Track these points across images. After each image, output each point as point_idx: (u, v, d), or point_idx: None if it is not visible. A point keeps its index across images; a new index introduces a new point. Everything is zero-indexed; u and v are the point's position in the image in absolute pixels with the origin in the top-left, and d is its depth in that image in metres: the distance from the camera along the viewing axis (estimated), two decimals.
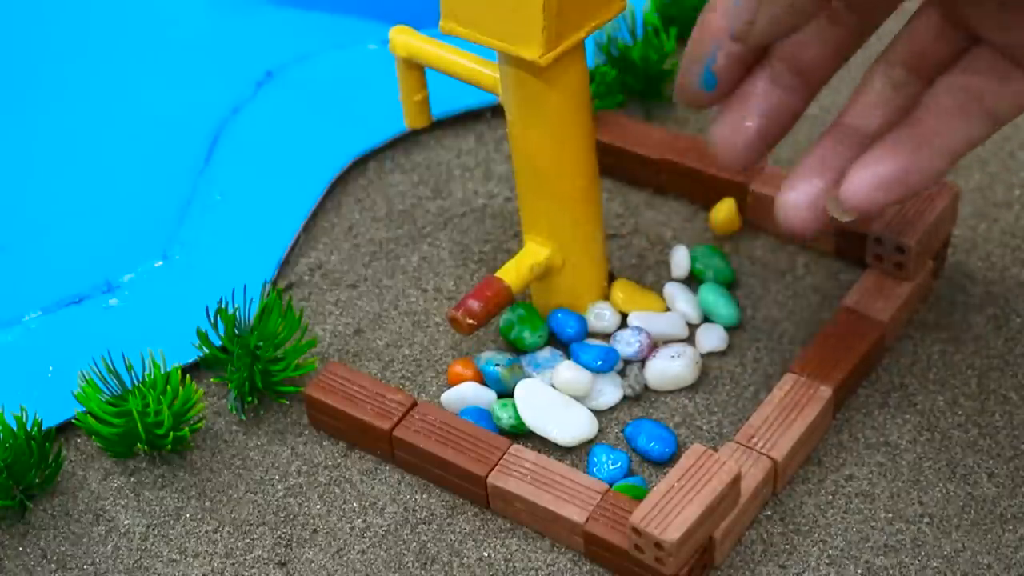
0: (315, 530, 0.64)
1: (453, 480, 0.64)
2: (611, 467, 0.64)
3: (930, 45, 0.58)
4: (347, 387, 0.66)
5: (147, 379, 0.66)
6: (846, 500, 0.63)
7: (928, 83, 0.58)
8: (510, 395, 0.66)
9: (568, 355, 0.68)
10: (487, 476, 0.63)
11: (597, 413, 0.67)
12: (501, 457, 0.63)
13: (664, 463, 0.65)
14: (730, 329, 0.70)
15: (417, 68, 0.68)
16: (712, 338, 0.69)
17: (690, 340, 0.70)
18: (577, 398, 0.66)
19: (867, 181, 0.56)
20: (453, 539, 0.63)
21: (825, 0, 0.54)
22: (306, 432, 0.68)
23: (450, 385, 0.68)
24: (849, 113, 0.59)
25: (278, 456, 0.67)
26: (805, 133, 0.78)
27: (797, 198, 0.58)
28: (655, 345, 0.68)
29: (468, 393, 0.67)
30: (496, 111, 0.82)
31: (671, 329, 0.69)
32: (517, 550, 0.63)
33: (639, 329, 0.68)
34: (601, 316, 0.69)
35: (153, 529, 0.64)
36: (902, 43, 0.58)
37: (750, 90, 0.59)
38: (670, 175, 0.76)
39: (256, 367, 0.66)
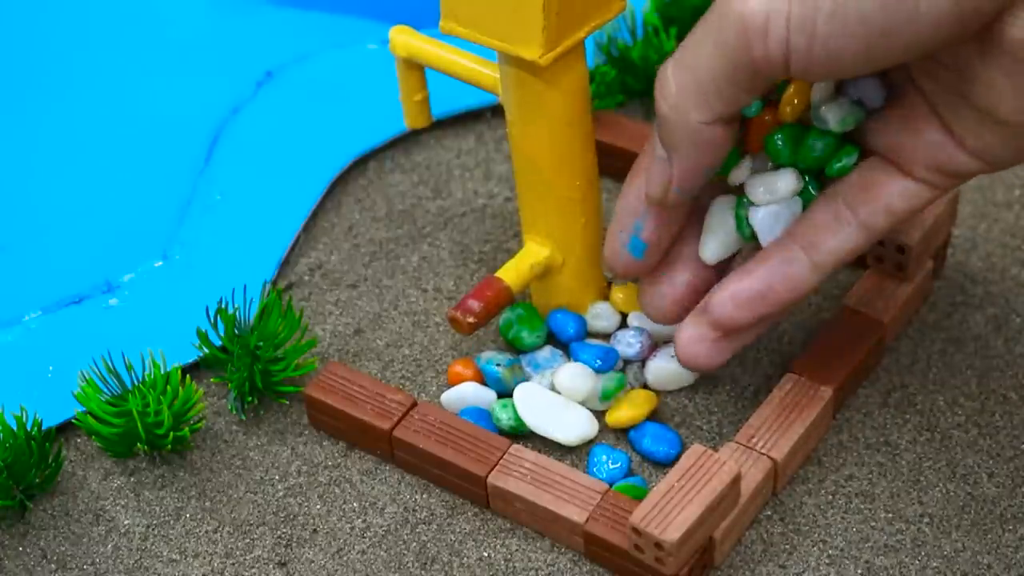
0: (315, 530, 0.64)
1: (453, 480, 0.64)
2: (611, 467, 0.64)
3: None
4: (347, 387, 0.66)
5: (147, 379, 0.66)
6: (846, 500, 0.63)
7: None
8: (510, 395, 0.66)
9: (568, 355, 0.68)
10: (487, 476, 0.63)
11: (597, 413, 0.67)
12: (501, 457, 0.63)
13: (668, 464, 0.65)
14: None
15: (417, 68, 0.68)
16: None
17: None
18: (578, 400, 0.66)
19: (728, 298, 0.59)
20: (453, 539, 0.63)
21: (729, 134, 0.55)
22: (306, 432, 0.68)
23: (450, 385, 0.68)
24: None
25: (278, 456, 0.67)
26: None
27: (660, 295, 0.63)
28: (655, 346, 0.68)
29: (468, 393, 0.67)
30: (496, 111, 0.82)
31: (671, 329, 0.69)
32: (517, 550, 0.63)
33: (640, 330, 0.68)
34: (601, 316, 0.69)
35: (153, 529, 0.64)
36: None
37: (677, 252, 0.62)
38: None
39: (256, 367, 0.66)
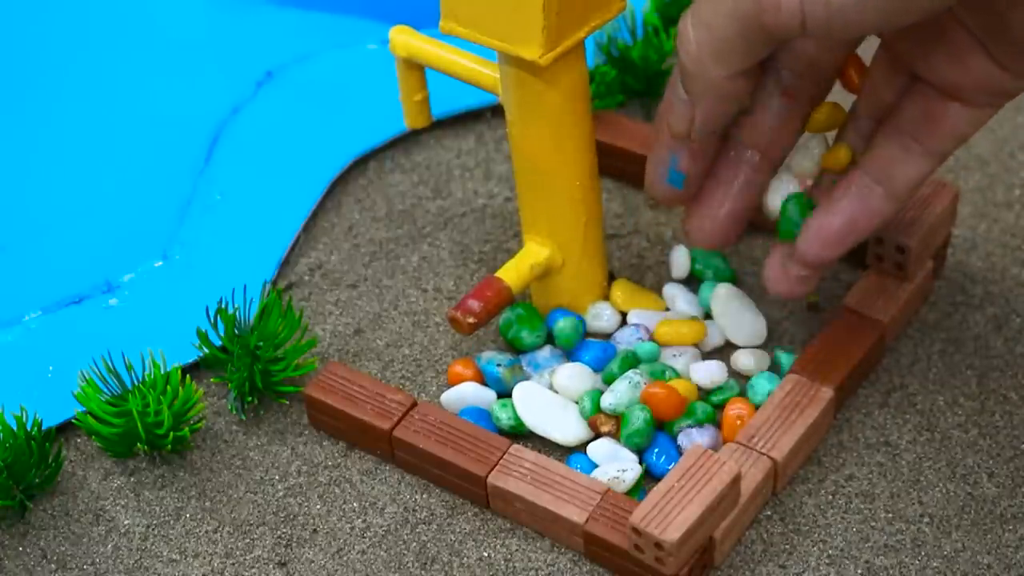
0: (315, 530, 0.64)
1: (453, 480, 0.64)
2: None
3: (882, 91, 0.61)
4: (347, 387, 0.66)
5: (147, 379, 0.66)
6: (846, 500, 0.63)
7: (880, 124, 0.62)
8: (510, 395, 0.66)
9: (567, 355, 0.68)
10: (487, 476, 0.63)
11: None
12: (501, 457, 0.63)
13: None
14: None
15: (417, 68, 0.68)
16: (713, 338, 0.69)
17: None
18: (577, 400, 0.66)
19: (814, 238, 0.61)
20: (453, 539, 0.63)
21: (749, 83, 0.58)
22: (306, 432, 0.68)
23: (450, 385, 0.68)
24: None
25: (278, 456, 0.67)
26: None
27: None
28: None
29: (468, 393, 0.67)
30: (496, 111, 0.82)
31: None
32: (517, 550, 0.63)
33: (639, 326, 0.68)
34: (600, 316, 0.69)
35: (153, 529, 0.64)
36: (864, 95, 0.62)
37: (715, 180, 0.64)
38: None
39: (256, 367, 0.66)
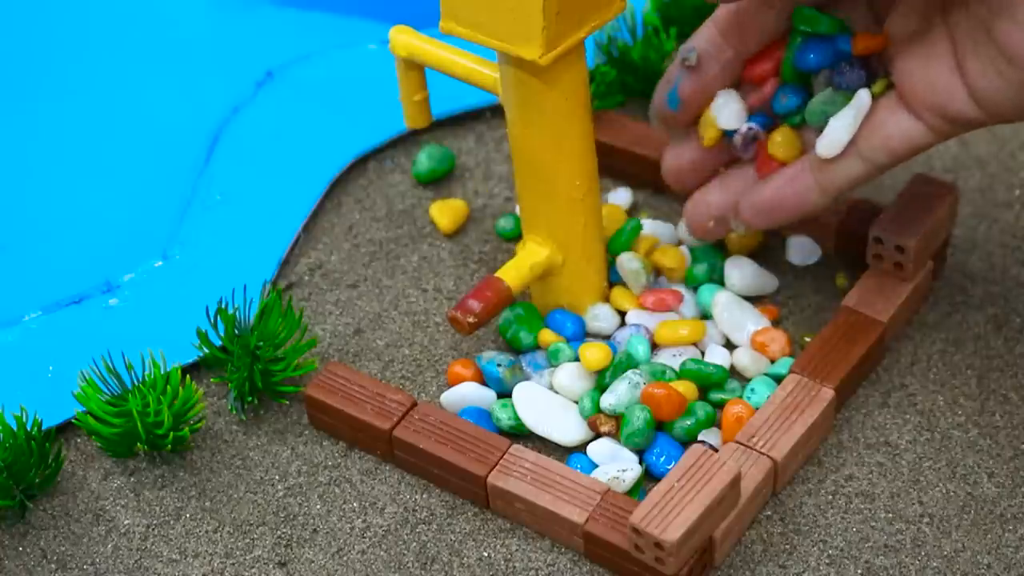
0: (315, 530, 0.64)
1: (453, 480, 0.64)
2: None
3: None
4: (347, 387, 0.66)
5: (147, 379, 0.65)
6: (846, 500, 0.63)
7: None
8: (510, 395, 0.66)
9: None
10: (487, 476, 0.63)
11: None
12: (501, 457, 0.63)
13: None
14: None
15: (417, 68, 0.68)
16: (713, 338, 0.69)
17: None
18: (577, 400, 0.66)
19: (749, 204, 0.65)
20: (453, 539, 0.63)
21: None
22: (306, 432, 0.68)
23: (450, 385, 0.68)
24: None
25: (278, 456, 0.67)
26: None
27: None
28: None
29: (468, 393, 0.67)
30: (496, 111, 0.82)
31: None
32: (517, 550, 0.63)
33: (638, 326, 0.68)
34: (600, 317, 0.69)
35: (153, 529, 0.64)
36: None
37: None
38: None
39: (256, 367, 0.66)
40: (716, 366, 0.66)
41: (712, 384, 0.66)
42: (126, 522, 0.65)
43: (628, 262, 0.69)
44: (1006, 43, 0.56)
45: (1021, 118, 0.58)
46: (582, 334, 0.69)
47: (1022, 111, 0.58)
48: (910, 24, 0.60)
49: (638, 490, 0.63)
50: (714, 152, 0.68)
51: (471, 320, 0.65)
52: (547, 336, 0.68)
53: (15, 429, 0.64)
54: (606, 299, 0.70)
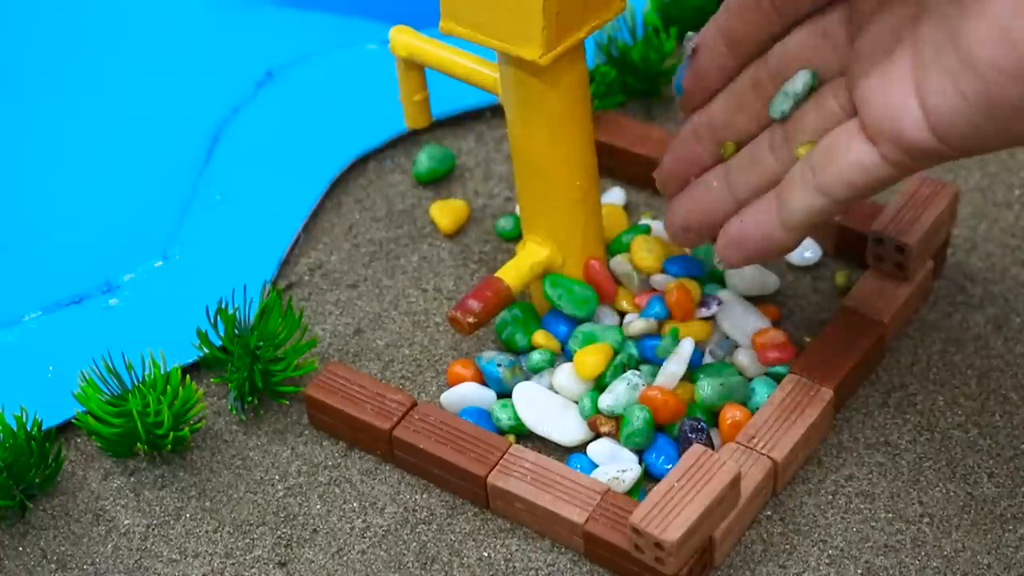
0: (315, 530, 0.64)
1: (453, 480, 0.64)
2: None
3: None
4: (347, 387, 0.66)
5: (147, 379, 0.66)
6: (846, 500, 0.63)
7: None
8: (510, 395, 0.66)
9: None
10: (487, 476, 0.63)
11: None
12: (501, 457, 0.63)
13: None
14: None
15: (417, 68, 0.68)
16: (715, 338, 0.69)
17: None
18: (577, 400, 0.66)
19: (722, 235, 0.63)
20: (453, 539, 0.63)
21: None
22: (306, 432, 0.68)
23: (450, 385, 0.68)
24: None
25: (278, 456, 0.67)
26: None
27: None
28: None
29: (468, 393, 0.67)
30: (496, 111, 0.82)
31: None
32: (517, 550, 0.63)
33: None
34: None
35: (153, 529, 0.64)
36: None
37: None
38: None
39: (256, 367, 0.66)
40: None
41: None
42: (126, 522, 0.65)
43: (619, 265, 0.69)
44: (971, 44, 0.52)
45: (975, 146, 0.54)
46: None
47: (975, 134, 0.54)
48: (879, 42, 0.57)
49: (638, 490, 0.63)
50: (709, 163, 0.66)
51: (471, 320, 0.65)
52: (541, 338, 0.68)
53: (15, 429, 0.64)
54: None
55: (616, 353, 0.66)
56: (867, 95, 0.56)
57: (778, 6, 0.61)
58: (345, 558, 0.63)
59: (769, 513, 0.63)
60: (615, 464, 0.63)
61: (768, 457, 0.62)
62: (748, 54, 0.63)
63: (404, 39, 0.67)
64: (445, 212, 0.75)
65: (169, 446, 0.66)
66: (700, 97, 0.65)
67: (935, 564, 0.61)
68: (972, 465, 0.64)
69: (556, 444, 0.66)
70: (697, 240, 0.66)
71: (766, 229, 0.61)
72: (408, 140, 0.81)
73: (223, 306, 0.66)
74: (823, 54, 0.60)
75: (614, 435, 0.65)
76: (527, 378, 0.67)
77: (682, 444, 0.63)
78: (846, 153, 0.57)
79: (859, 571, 0.61)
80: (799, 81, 0.60)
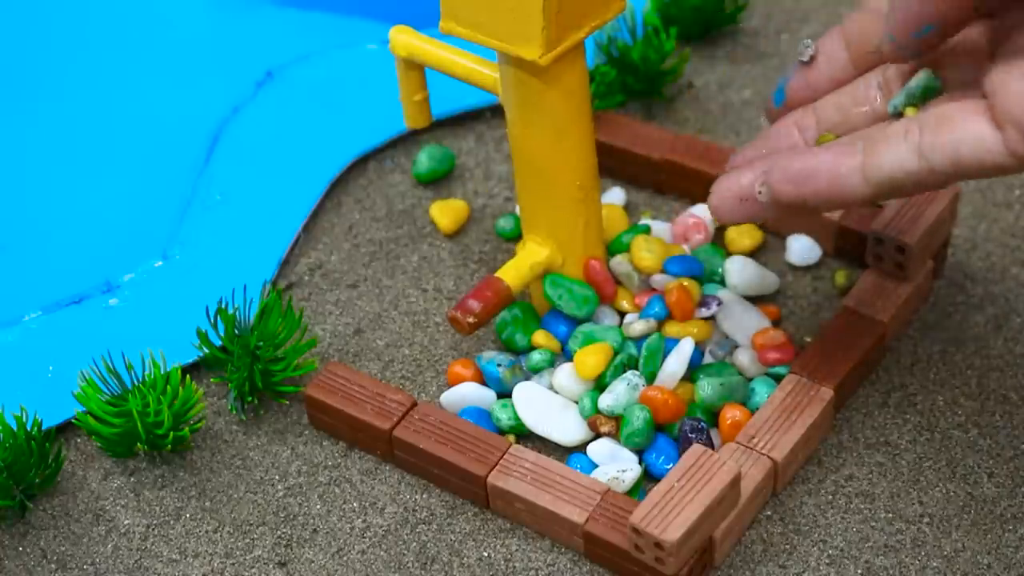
0: (315, 530, 0.64)
1: (453, 480, 0.64)
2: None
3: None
4: (347, 387, 0.66)
5: (147, 379, 0.66)
6: (846, 500, 0.63)
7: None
8: (510, 395, 0.66)
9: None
10: (487, 476, 0.63)
11: None
12: (501, 457, 0.63)
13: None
14: None
15: (417, 68, 0.68)
16: (716, 339, 0.69)
17: None
18: (577, 400, 0.66)
19: (780, 167, 0.57)
20: (453, 539, 0.63)
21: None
22: (306, 432, 0.68)
23: (450, 385, 0.68)
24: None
25: (278, 456, 0.67)
26: None
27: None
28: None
29: (468, 393, 0.67)
30: (496, 111, 0.82)
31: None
32: (517, 550, 0.63)
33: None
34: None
35: (153, 529, 0.64)
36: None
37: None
38: (670, 175, 0.76)
39: (256, 367, 0.66)
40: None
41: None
42: (126, 522, 0.65)
43: (619, 265, 0.69)
44: None
45: None
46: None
47: None
48: (1021, 50, 0.54)
49: (638, 490, 0.63)
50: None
51: (471, 320, 0.65)
52: (541, 338, 0.68)
53: (15, 429, 0.64)
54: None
55: (616, 353, 0.66)
56: (1002, 81, 0.53)
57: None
58: (345, 558, 0.63)
59: (769, 513, 0.63)
60: (615, 464, 0.63)
61: (768, 457, 0.62)
62: (869, 66, 0.60)
63: (404, 39, 0.67)
64: (445, 212, 0.75)
65: (169, 446, 0.66)
66: (800, 103, 0.62)
67: (935, 564, 0.61)
68: (972, 465, 0.64)
69: (556, 444, 0.66)
70: (748, 215, 0.60)
71: (843, 171, 0.56)
72: (408, 140, 0.81)
73: (223, 306, 0.66)
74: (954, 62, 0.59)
75: (614, 435, 0.65)
76: (527, 378, 0.68)
77: (682, 444, 0.63)
78: (965, 124, 0.53)
79: (859, 571, 0.61)
80: (920, 78, 0.58)
